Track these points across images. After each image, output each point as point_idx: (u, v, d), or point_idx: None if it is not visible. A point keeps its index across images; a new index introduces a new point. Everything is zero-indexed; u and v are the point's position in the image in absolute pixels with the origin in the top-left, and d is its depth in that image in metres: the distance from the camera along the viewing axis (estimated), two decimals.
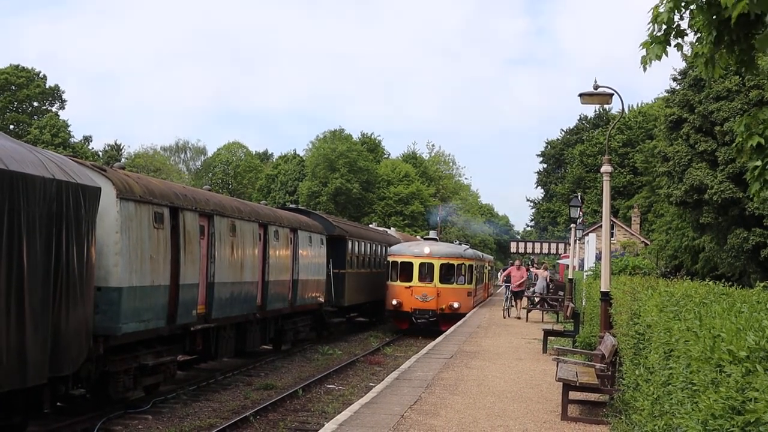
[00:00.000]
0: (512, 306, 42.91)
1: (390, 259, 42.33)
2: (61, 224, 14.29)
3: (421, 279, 40.77)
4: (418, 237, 65.58)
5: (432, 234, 52.78)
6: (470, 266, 43.17)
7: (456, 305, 40.31)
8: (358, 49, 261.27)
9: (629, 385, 13.00)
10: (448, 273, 41.52)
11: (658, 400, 9.55)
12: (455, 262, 41.78)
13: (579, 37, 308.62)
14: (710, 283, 12.32)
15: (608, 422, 14.37)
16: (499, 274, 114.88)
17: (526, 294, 44.11)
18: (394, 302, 40.49)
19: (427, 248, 41.73)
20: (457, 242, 57.48)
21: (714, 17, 7.76)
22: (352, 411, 15.13)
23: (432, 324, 39.59)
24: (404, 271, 41.21)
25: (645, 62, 8.54)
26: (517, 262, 45.38)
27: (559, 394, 15.89)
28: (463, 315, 40.68)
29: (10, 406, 14.43)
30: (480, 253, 58.19)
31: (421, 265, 41.00)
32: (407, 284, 40.53)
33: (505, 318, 41.50)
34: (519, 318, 41.40)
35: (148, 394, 20.48)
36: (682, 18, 8.24)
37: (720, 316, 7.80)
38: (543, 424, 14.61)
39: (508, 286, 43.16)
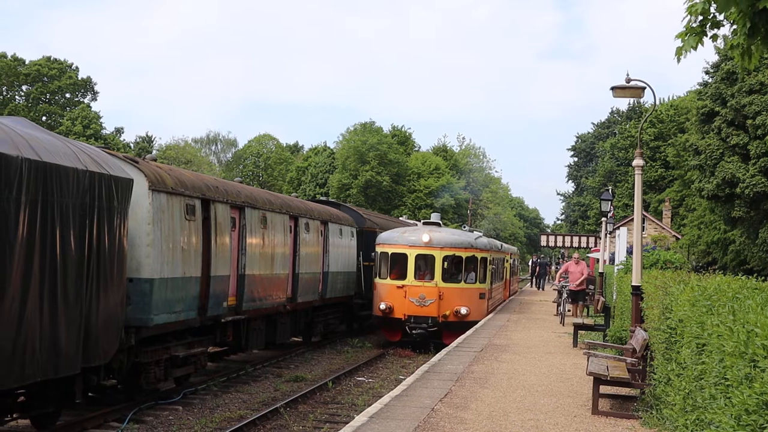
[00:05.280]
0: (569, 312, 35.40)
1: (378, 249, 33.19)
2: (94, 215, 14.39)
3: (419, 276, 31.70)
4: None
5: (434, 217, 38.52)
6: (483, 259, 33.99)
7: (464, 311, 31.31)
8: (389, 41, 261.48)
9: (660, 379, 12.95)
10: (454, 268, 32.60)
11: (690, 395, 9.51)
12: (463, 254, 32.56)
13: (610, 31, 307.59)
14: (743, 277, 12.25)
15: (639, 417, 14.31)
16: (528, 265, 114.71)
17: (554, 287, 42.10)
18: (383, 306, 31.44)
19: (426, 235, 32.05)
20: (466, 228, 47.89)
21: (749, 8, 7.69)
22: (383, 403, 15.13)
23: (432, 335, 31.10)
24: (396, 265, 32.23)
25: (680, 53, 8.49)
26: (576, 256, 36.67)
27: (589, 388, 15.83)
28: (474, 323, 31.81)
29: (43, 395, 14.57)
30: (498, 243, 47.27)
31: (419, 257, 31.90)
32: (400, 283, 31.50)
33: (564, 325, 33.46)
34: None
35: (178, 385, 20.58)
36: (718, 10, 8.19)
37: (754, 311, 7.75)
38: (573, 418, 14.56)
39: (565, 286, 35.24)
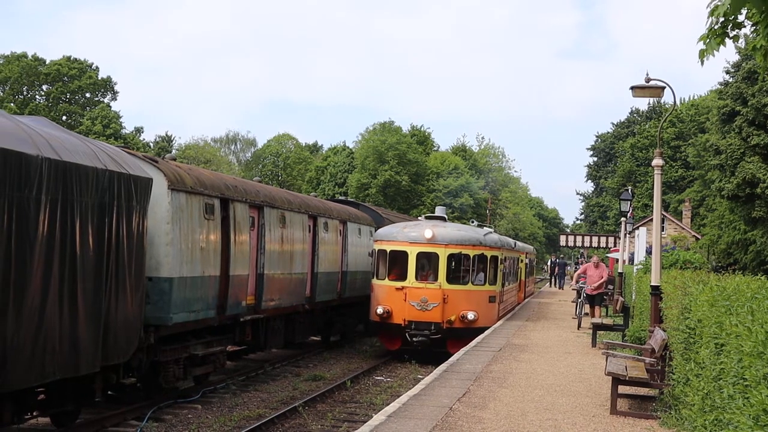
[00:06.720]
0: (586, 314, 33.15)
1: (376, 246, 29.80)
2: (113, 214, 14.45)
3: (420, 277, 28.13)
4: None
5: (438, 211, 33.31)
6: (494, 258, 30.18)
7: (471, 316, 27.76)
8: (409, 41, 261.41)
9: (679, 379, 12.91)
10: (461, 268, 28.69)
11: (709, 395, 9.48)
12: (471, 252, 28.72)
13: (631, 30, 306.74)
14: (762, 278, 12.21)
15: (658, 417, 14.27)
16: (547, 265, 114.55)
17: (573, 287, 41.64)
18: (380, 311, 27.93)
19: (429, 231, 28.39)
20: (473, 222, 40.17)
21: None
22: (401, 403, 15.13)
23: (435, 343, 27.41)
24: (395, 264, 28.65)
25: (703, 56, 8.47)
26: (594, 258, 33.64)
27: (608, 388, 15.80)
28: (482, 330, 28.20)
29: (63, 394, 14.64)
30: (510, 240, 42.66)
31: (420, 255, 28.29)
32: (399, 284, 27.93)
33: (580, 328, 31.65)
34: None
35: (197, 384, 20.65)
36: (740, 11, 8.16)
37: None
38: (592, 418, 14.53)
39: (584, 287, 32.82)
